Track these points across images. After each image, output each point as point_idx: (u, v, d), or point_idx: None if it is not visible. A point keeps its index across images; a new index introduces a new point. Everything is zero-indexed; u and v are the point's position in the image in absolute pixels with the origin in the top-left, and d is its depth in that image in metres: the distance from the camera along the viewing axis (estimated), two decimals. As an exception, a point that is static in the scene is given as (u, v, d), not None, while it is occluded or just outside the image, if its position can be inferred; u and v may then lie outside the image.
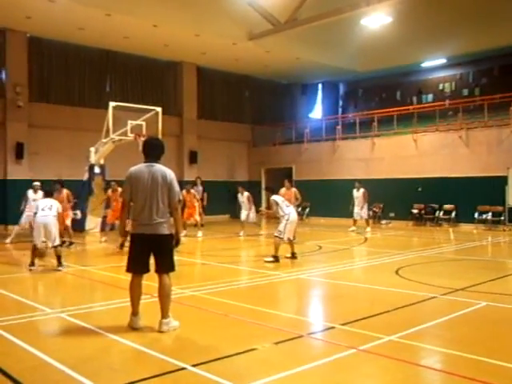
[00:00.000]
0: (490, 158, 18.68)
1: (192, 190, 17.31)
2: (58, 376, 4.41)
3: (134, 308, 5.72)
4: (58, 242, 9.65)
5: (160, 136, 16.91)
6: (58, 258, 9.61)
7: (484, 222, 18.57)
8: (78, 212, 18.13)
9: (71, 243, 13.36)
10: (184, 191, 16.38)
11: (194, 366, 4.58)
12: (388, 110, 22.73)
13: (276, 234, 10.75)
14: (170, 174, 5.71)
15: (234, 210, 25.68)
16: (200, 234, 16.47)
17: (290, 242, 11.13)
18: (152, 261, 5.71)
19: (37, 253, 9.76)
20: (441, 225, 19.71)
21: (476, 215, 18.68)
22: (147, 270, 5.70)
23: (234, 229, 18.08)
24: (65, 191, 13.08)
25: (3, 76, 19.45)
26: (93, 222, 17.89)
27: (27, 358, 4.86)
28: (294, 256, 11.10)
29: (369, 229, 17.91)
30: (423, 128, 20.97)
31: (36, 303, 7.15)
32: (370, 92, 28.75)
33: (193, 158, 24.04)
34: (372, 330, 5.95)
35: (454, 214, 19.45)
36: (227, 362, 4.71)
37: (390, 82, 27.07)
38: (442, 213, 19.82)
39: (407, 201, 20.52)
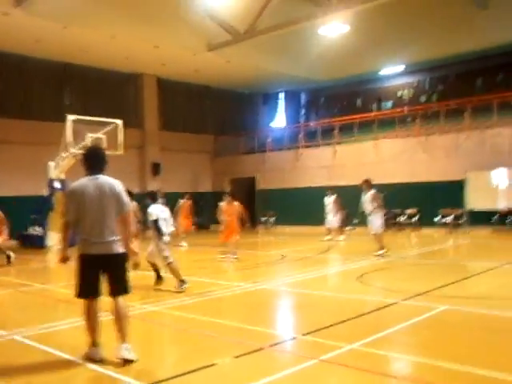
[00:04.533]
0: (449, 163, 19.10)
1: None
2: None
3: (93, 337, 5.19)
4: None
5: (121, 149, 16.74)
6: None
7: (445, 225, 18.93)
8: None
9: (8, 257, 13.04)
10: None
11: (151, 385, 4.48)
12: (349, 117, 23.03)
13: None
14: (118, 184, 5.29)
15: (199, 222, 25.60)
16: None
17: None
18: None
19: None
20: (403, 229, 20.00)
21: (437, 219, 19.03)
22: (99, 293, 5.20)
23: (197, 240, 17.93)
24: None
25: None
26: (54, 238, 17.47)
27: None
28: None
29: (342, 237, 17.75)
30: (383, 134, 21.31)
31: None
32: (331, 100, 29.11)
33: (156, 169, 23.82)
34: (334, 338, 5.95)
35: (416, 218, 19.78)
36: (185, 380, 4.62)
37: (351, 89, 27.46)
38: (404, 217, 20.12)
39: (370, 207, 20.71)
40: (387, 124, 22.14)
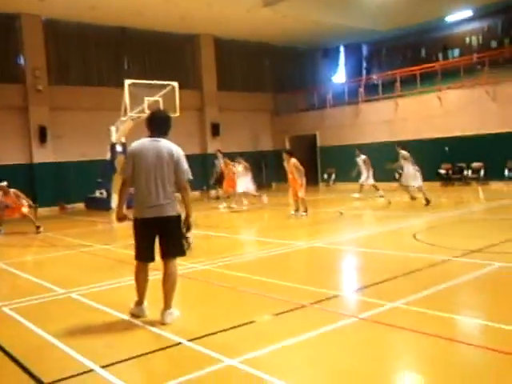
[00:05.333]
0: (519, 112, 17.99)
1: (231, 163, 17.30)
2: (58, 355, 4.51)
3: (140, 297, 5.35)
4: None
5: (178, 111, 16.88)
6: None
7: (515, 178, 18.02)
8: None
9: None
10: (222, 164, 17.67)
11: (189, 340, 4.60)
12: (411, 68, 22.04)
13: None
14: (178, 151, 5.18)
15: (261, 180, 25.72)
16: (224, 205, 16.55)
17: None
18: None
19: None
20: (469, 184, 19.21)
21: (506, 172, 18.11)
22: (153, 258, 5.25)
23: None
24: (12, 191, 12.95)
25: (21, 61, 19.65)
26: (117, 201, 18.11)
27: (32, 339, 4.97)
28: None
29: (381, 192, 16.91)
30: (448, 85, 20.28)
31: (48, 283, 7.29)
32: (393, 52, 27.94)
33: (215, 130, 23.98)
34: (378, 296, 5.86)
35: (482, 172, 18.92)
36: (222, 336, 4.71)
37: (415, 39, 26.19)
38: (470, 172, 19.30)
39: (434, 161, 20.02)
40: (454, 74, 20.99)
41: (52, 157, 19.81)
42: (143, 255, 5.27)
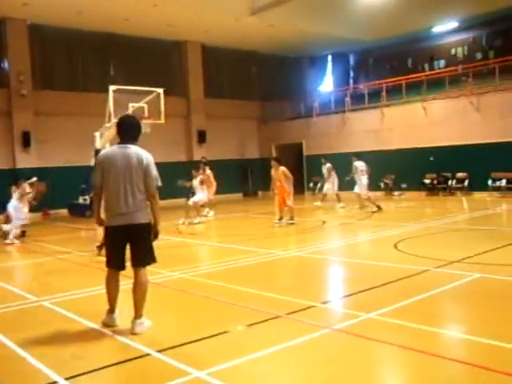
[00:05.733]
0: (503, 123, 18.09)
1: (208, 171, 17.02)
2: (19, 366, 4.39)
3: (111, 305, 5.27)
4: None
5: (163, 117, 16.78)
6: None
7: (498, 189, 18.09)
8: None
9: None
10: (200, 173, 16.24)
11: (159, 351, 4.51)
12: (397, 78, 22.15)
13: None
14: (147, 157, 5.10)
15: (247, 188, 25.69)
16: (211, 213, 16.36)
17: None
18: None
19: None
20: (454, 194, 19.29)
21: (490, 182, 18.21)
22: (123, 267, 5.20)
23: (244, 207, 17.97)
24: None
25: (6, 65, 19.47)
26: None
27: (-2, 349, 4.85)
28: None
29: (341, 204, 17.17)
30: (434, 95, 20.39)
31: (22, 291, 7.14)
32: (380, 61, 28.09)
33: (201, 137, 23.89)
34: (354, 307, 5.81)
35: (467, 182, 19.01)
36: (193, 347, 4.62)
37: (401, 49, 26.34)
38: (454, 181, 19.39)
39: (419, 171, 20.13)
40: (439, 84, 21.12)
41: (36, 162, 19.59)
42: (113, 263, 5.21)
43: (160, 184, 5.22)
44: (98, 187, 5.22)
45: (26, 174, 19.03)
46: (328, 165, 17.74)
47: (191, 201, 14.79)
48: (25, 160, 19.36)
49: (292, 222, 12.95)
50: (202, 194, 14.91)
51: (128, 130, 5.26)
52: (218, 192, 19.33)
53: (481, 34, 24.67)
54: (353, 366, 4.11)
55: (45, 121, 19.83)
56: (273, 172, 13.35)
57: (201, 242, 11.54)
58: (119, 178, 5.04)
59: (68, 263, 9.46)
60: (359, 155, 17.12)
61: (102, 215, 5.35)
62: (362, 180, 16.03)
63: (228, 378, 3.88)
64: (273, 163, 13.40)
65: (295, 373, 4.04)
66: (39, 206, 18.95)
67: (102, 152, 5.32)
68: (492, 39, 24.29)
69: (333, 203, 17.51)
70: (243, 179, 25.69)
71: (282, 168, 13.09)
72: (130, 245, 5.15)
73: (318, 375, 3.98)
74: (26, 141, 19.21)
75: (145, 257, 5.15)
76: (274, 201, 13.66)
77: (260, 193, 25.36)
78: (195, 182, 14.97)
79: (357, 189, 16.20)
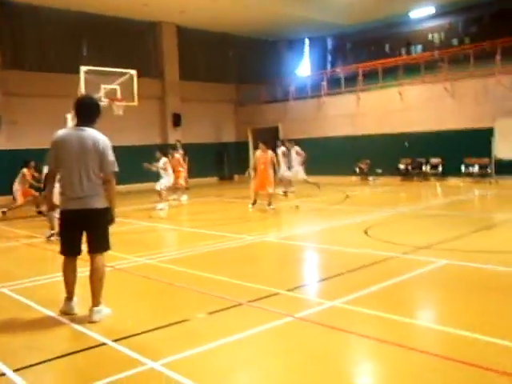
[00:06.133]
0: (477, 109, 18.17)
1: (176, 155, 16.76)
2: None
3: (68, 293, 5.13)
4: None
5: (136, 100, 16.45)
6: None
7: (471, 174, 18.23)
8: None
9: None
10: (169, 157, 15.66)
11: (115, 340, 4.39)
12: (373, 62, 22.07)
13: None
14: (104, 141, 4.93)
15: (222, 172, 25.52)
16: (184, 197, 16.16)
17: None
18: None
19: None
20: (428, 179, 19.39)
21: (463, 168, 18.34)
22: (79, 252, 5.06)
23: (219, 191, 17.83)
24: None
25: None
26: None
27: None
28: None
29: (291, 189, 16.71)
30: (410, 81, 20.38)
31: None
32: (358, 46, 27.93)
33: (176, 120, 23.55)
34: (318, 294, 5.77)
35: (440, 167, 19.12)
36: (151, 336, 4.51)
37: (379, 34, 26.22)
38: (429, 167, 19.48)
39: (394, 156, 20.16)
40: (415, 70, 21.10)
41: (6, 144, 19.11)
42: (67, 249, 5.07)
43: (117, 169, 5.06)
44: (52, 170, 5.09)
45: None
46: (283, 148, 16.86)
47: (157, 186, 14.53)
48: (-7, 141, 18.88)
49: (272, 206, 12.79)
50: (165, 179, 14.61)
51: (86, 112, 5.08)
52: (192, 176, 19.31)
53: (457, 21, 24.69)
54: (313, 356, 4.03)
55: (15, 101, 19.27)
56: (258, 154, 13.22)
57: (171, 227, 11.40)
58: (73, 162, 4.89)
59: (34, 249, 9.24)
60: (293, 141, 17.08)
61: (56, 200, 5.18)
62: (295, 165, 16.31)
63: (183, 369, 3.78)
64: (261, 146, 13.23)
65: (253, 363, 3.96)
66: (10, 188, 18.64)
67: (57, 134, 5.06)
68: (468, 25, 24.33)
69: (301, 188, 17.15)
70: (219, 163, 25.48)
71: (271, 153, 13.13)
72: (85, 231, 5.00)
73: (276, 366, 3.90)
74: (-6, 122, 18.70)
75: (101, 242, 5.02)
76: (249, 185, 13.54)
77: (236, 176, 25.20)
78: (160, 165, 14.65)
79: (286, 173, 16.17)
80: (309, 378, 3.66)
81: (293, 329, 4.65)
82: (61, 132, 5.08)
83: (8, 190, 18.11)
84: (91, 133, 4.97)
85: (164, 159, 14.74)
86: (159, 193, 14.41)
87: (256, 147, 13.12)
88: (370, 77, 22.01)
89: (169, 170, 14.70)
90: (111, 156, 5.00)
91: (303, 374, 3.71)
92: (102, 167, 4.94)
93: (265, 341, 4.40)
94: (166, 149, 16.94)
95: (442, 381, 3.53)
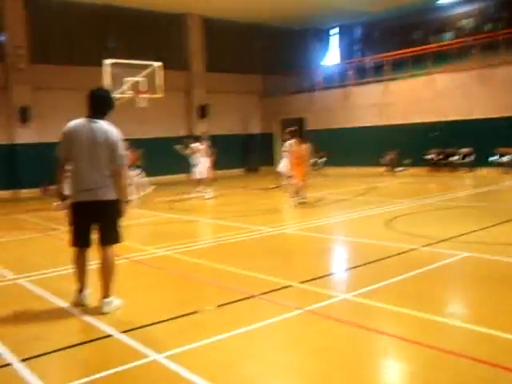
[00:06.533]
0: (509, 98, 17.61)
1: (201, 147, 16.65)
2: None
3: (80, 285, 5.13)
4: None
5: (161, 91, 16.51)
6: None
7: (502, 165, 17.70)
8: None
9: None
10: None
11: (122, 332, 4.39)
12: (402, 51, 21.59)
13: None
14: (115, 135, 4.91)
15: (249, 164, 25.47)
16: (209, 193, 16.11)
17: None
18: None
19: None
20: (457, 169, 18.93)
21: (494, 158, 17.82)
22: (90, 243, 5.04)
23: (244, 183, 17.77)
24: None
25: (2, 39, 19.19)
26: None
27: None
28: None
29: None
30: (440, 69, 19.87)
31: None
32: (386, 34, 27.33)
33: (203, 112, 23.57)
34: (331, 287, 5.67)
35: (471, 157, 18.63)
36: (159, 328, 4.50)
37: (408, 22, 25.63)
38: (458, 157, 19.01)
39: (423, 146, 19.73)
40: (446, 57, 20.56)
41: (35, 137, 19.43)
42: (77, 241, 5.06)
43: (125, 163, 5.06)
44: (62, 161, 5.08)
45: (24, 149, 19.10)
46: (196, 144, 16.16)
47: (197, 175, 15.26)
48: (24, 135, 19.20)
49: (304, 199, 12.29)
50: (201, 163, 15.29)
51: (98, 104, 5.06)
52: (218, 167, 19.27)
53: (488, 5, 23.93)
54: (318, 349, 3.94)
55: (43, 95, 19.57)
56: (288, 148, 12.77)
57: (192, 219, 11.39)
58: (84, 154, 4.89)
59: (56, 240, 9.33)
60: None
61: (66, 191, 5.18)
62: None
63: (185, 362, 3.75)
64: (295, 141, 12.55)
65: (256, 357, 3.89)
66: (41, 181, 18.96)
67: (68, 124, 5.04)
68: (500, 10, 23.55)
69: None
70: (245, 154, 25.43)
71: (306, 145, 12.40)
72: (96, 222, 4.99)
73: (281, 360, 3.83)
74: (24, 116, 19.01)
75: (111, 234, 5.01)
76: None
77: (262, 168, 25.10)
78: (194, 146, 15.48)
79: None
80: (312, 370, 3.58)
81: (301, 322, 4.56)
82: (72, 123, 5.05)
83: (36, 181, 18.52)
84: (103, 125, 4.95)
85: (196, 143, 15.40)
86: (200, 181, 14.72)
87: (283, 139, 12.50)
88: (399, 65, 21.56)
89: (203, 153, 15.32)
90: (121, 149, 4.98)
91: (307, 366, 3.63)
92: (113, 160, 4.92)
93: (271, 334, 4.33)
94: (198, 137, 17.11)
95: (454, 380, 3.40)
